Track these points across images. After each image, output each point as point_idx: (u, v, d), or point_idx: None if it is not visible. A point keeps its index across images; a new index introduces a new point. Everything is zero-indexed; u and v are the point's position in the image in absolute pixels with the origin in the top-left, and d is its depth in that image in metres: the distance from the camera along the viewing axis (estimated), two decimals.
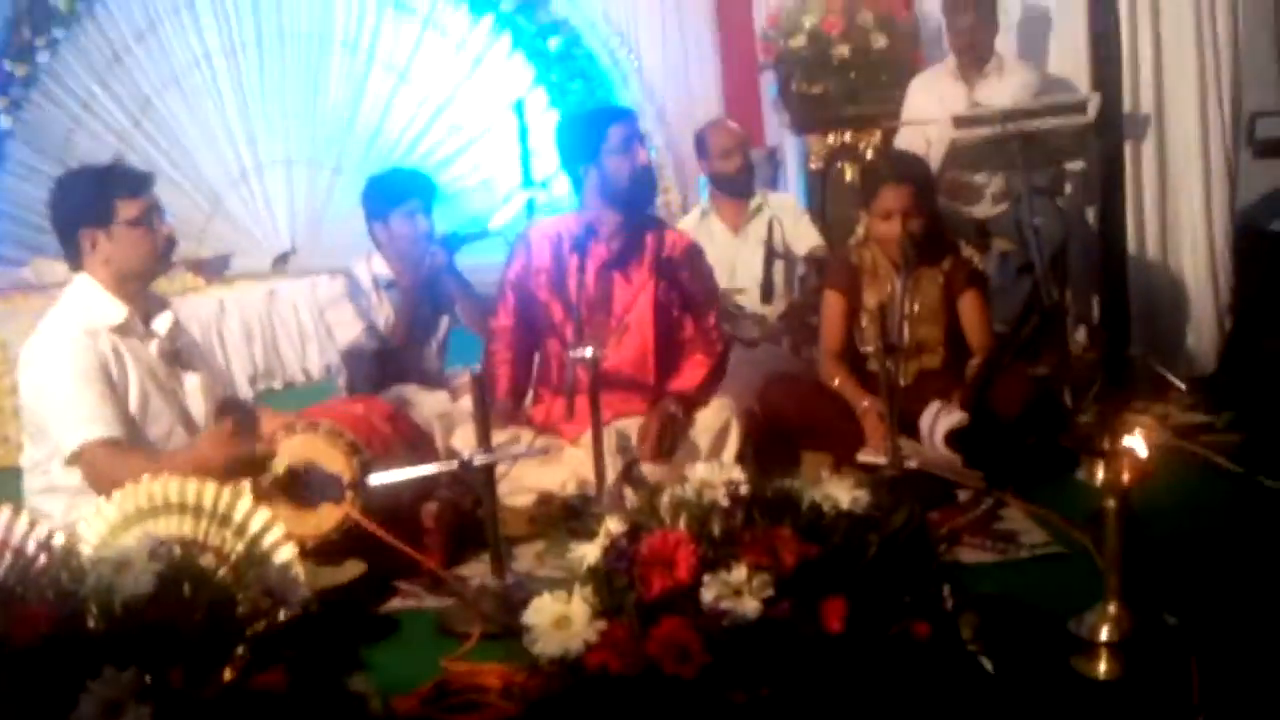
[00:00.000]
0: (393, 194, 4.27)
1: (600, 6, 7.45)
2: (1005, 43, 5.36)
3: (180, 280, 5.97)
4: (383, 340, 4.21)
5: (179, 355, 3.22)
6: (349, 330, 4.23)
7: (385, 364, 4.22)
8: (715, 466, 2.20)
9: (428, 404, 3.95)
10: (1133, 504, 2.42)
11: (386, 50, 7.74)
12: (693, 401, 3.70)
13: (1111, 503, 2.39)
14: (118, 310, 3.07)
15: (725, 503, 2.13)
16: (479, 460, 2.70)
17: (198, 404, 3.23)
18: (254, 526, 2.49)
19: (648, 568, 2.09)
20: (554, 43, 7.50)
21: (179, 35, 7.87)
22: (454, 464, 2.78)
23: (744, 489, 2.14)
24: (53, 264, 5.87)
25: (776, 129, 6.78)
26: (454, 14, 7.64)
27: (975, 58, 5.13)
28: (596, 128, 3.67)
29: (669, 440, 3.57)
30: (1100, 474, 2.39)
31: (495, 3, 7.52)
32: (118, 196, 3.04)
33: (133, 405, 3.05)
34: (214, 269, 6.50)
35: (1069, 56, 5.20)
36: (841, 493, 2.20)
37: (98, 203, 3.04)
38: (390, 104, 7.76)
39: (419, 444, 3.29)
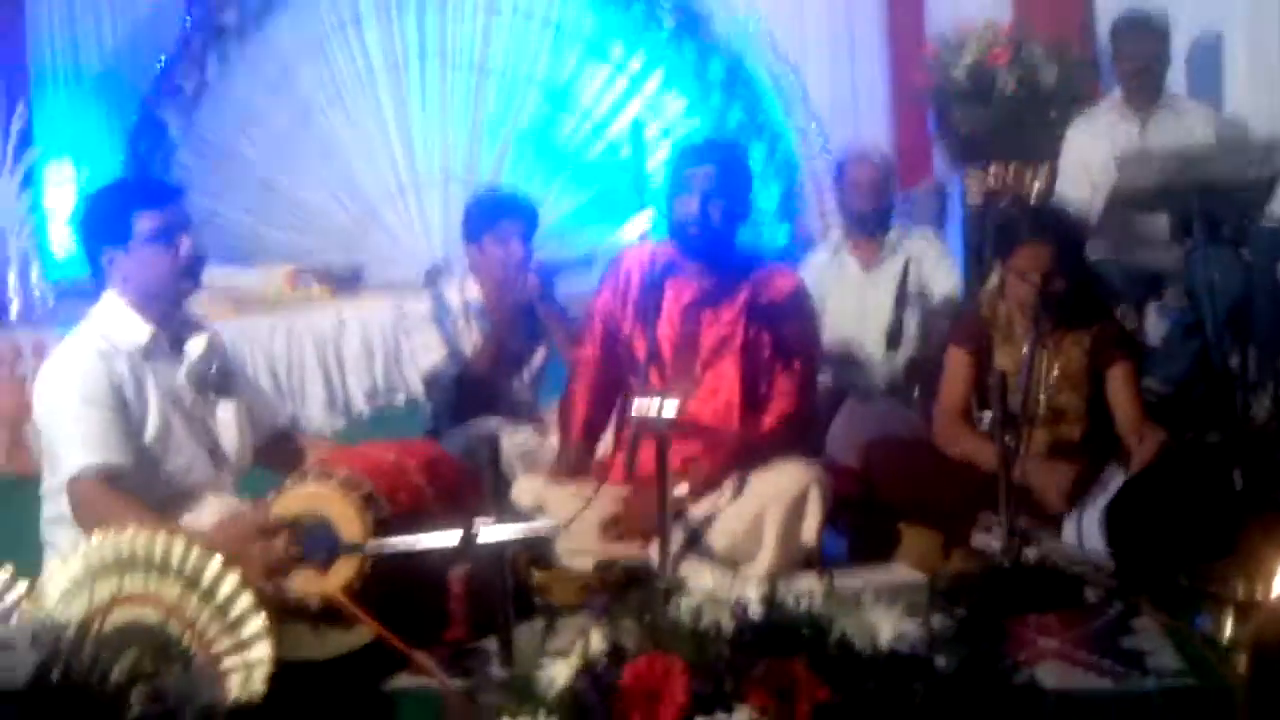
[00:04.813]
0: (487, 216, 4.04)
1: (766, 30, 7.06)
2: (1175, 78, 4.76)
3: (304, 291, 5.81)
4: (465, 368, 3.93)
5: (212, 380, 2.97)
6: (431, 356, 3.99)
7: (470, 394, 3.94)
8: (729, 577, 1.80)
9: (510, 441, 3.64)
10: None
11: (544, 74, 7.50)
12: (756, 454, 3.23)
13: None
14: (141, 330, 2.84)
15: (730, 625, 1.73)
16: (483, 536, 2.32)
17: (230, 434, 2.98)
18: (223, 591, 2.22)
19: (628, 700, 1.70)
20: (715, 67, 7.12)
21: (344, 50, 7.81)
22: (453, 539, 2.39)
23: (756, 610, 1.74)
24: None
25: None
26: (614, 39, 7.35)
27: (1147, 91, 4.57)
28: (676, 163, 3.37)
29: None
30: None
31: (659, 25, 7.20)
32: (137, 209, 2.81)
33: (149, 433, 2.80)
34: (344, 281, 6.30)
35: (1250, 96, 4.57)
36: (884, 623, 1.77)
37: (117, 218, 2.83)
38: (550, 125, 7.52)
39: (462, 496, 2.90)
